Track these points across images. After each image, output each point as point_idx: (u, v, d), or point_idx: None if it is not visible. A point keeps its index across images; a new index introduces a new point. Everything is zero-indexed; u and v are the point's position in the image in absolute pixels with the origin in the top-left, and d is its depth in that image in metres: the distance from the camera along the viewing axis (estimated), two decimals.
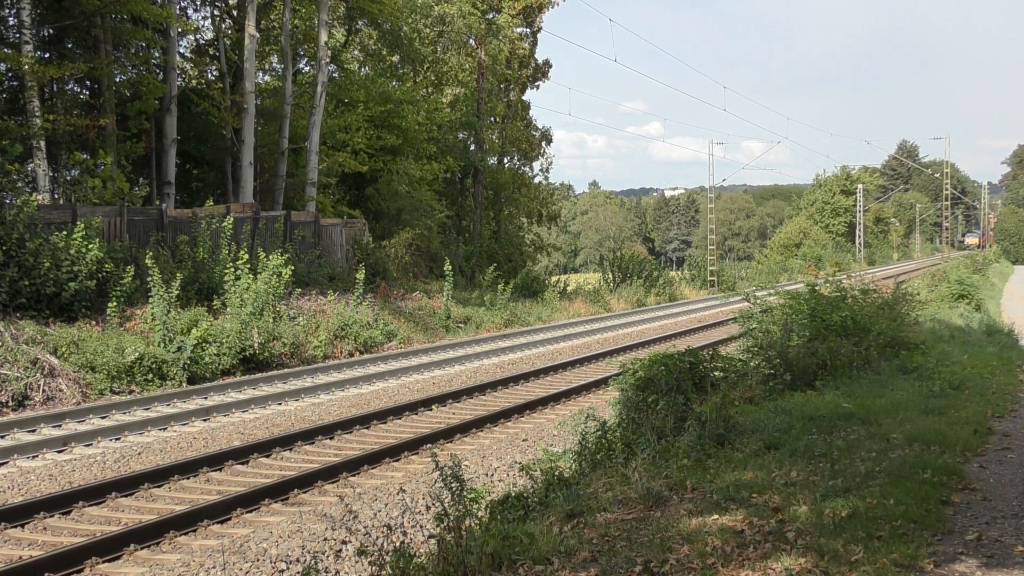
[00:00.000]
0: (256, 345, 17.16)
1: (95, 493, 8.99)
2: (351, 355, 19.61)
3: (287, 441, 11.33)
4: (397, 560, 5.09)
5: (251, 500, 8.88)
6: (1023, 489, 6.16)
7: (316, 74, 27.50)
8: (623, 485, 6.46)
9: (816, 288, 14.35)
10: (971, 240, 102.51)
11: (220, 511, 8.51)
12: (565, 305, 31.21)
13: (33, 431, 11.81)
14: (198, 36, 28.81)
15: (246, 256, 19.14)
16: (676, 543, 5.10)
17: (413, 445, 11.16)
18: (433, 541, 5.50)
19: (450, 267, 25.19)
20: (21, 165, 19.32)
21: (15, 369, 13.73)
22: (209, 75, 28.87)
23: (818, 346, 11.47)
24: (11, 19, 20.74)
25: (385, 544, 5.34)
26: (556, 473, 7.62)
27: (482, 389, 15.38)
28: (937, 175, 79.16)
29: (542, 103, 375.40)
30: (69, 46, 22.74)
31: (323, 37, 27.07)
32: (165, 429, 12.29)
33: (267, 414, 13.42)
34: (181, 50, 26.97)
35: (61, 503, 8.68)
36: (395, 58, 35.04)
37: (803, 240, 77.76)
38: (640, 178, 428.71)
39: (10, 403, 13.28)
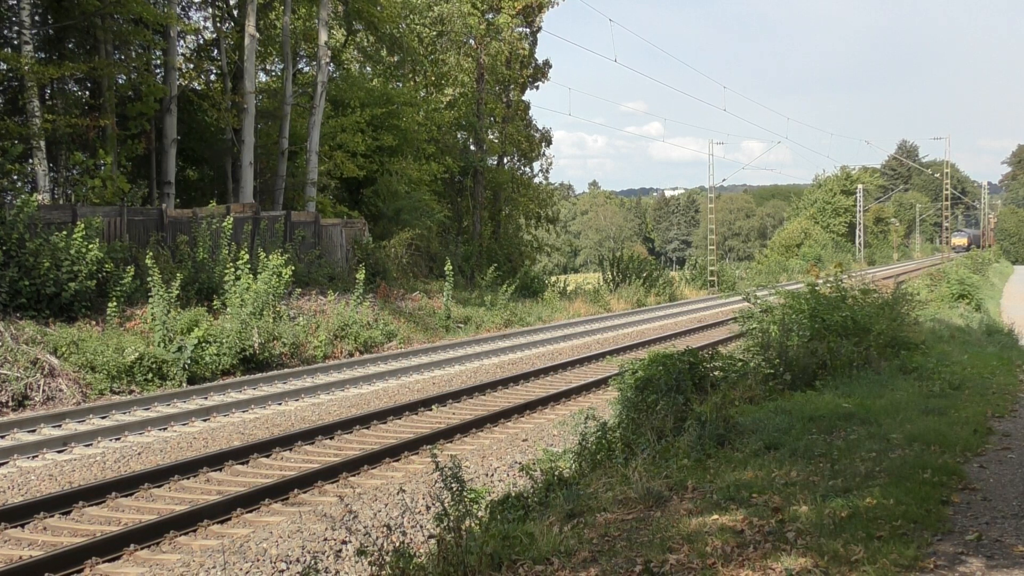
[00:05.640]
0: (256, 345, 17.16)
1: (95, 493, 8.99)
2: (351, 355, 19.61)
3: (287, 441, 11.34)
4: (397, 560, 5.09)
5: (251, 500, 8.88)
6: (1023, 489, 6.16)
7: (316, 74, 27.50)
8: (623, 485, 6.45)
9: (816, 288, 14.35)
10: (958, 240, 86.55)
11: (220, 511, 8.52)
12: (565, 305, 31.21)
13: (33, 431, 11.81)
14: (198, 37, 28.83)
15: (246, 256, 19.14)
16: (676, 543, 5.09)
17: (413, 445, 11.16)
18: (433, 541, 5.50)
19: (450, 267, 25.19)
20: (21, 165, 19.32)
21: (15, 369, 13.73)
22: (209, 75, 28.87)
23: (818, 346, 11.48)
24: (11, 19, 20.72)
25: (385, 544, 5.34)
26: (556, 473, 7.62)
27: (482, 389, 15.38)
28: (937, 175, 79.12)
29: (542, 103, 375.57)
30: (69, 46, 22.73)
31: (323, 37, 27.07)
32: (165, 429, 12.29)
33: (267, 414, 13.43)
34: (181, 50, 26.97)
35: (61, 503, 8.68)
36: (394, 59, 35.01)
37: (803, 240, 77.77)
38: (640, 178, 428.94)
39: (10, 403, 13.28)
